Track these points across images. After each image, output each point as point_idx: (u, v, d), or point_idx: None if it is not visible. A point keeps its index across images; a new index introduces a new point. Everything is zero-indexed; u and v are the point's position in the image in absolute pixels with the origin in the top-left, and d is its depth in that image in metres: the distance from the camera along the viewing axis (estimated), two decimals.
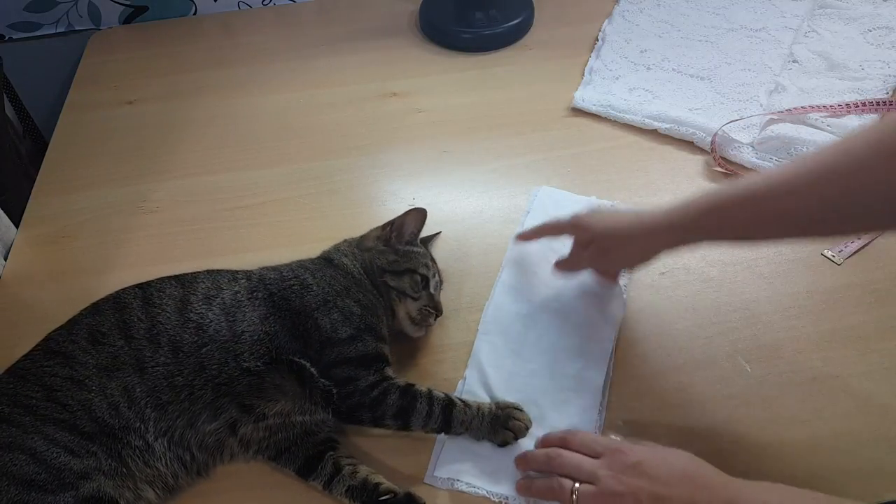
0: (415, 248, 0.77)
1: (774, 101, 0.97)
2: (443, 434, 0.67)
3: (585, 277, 0.81)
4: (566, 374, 0.73)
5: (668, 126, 0.96)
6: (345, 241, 0.79)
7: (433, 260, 0.79)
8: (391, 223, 0.78)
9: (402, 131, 1.02)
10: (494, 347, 0.76)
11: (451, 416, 0.66)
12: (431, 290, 0.76)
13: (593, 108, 0.99)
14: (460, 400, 0.67)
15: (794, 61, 1.03)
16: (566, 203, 0.90)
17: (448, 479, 0.66)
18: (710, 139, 0.93)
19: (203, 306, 0.68)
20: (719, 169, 0.92)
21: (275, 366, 0.66)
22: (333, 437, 0.70)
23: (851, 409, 0.70)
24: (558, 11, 1.20)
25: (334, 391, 0.66)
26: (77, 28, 1.23)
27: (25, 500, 0.59)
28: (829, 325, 0.77)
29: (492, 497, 0.65)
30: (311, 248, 0.82)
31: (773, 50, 1.06)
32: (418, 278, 0.74)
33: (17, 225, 0.93)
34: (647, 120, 0.97)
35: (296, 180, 0.96)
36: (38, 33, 1.22)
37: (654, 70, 1.05)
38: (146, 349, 0.65)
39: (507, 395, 0.71)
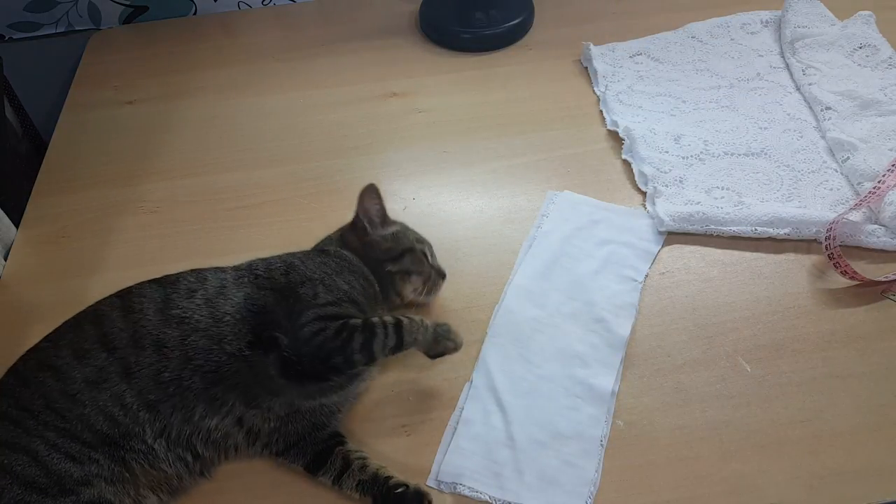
0: (395, 228, 0.78)
1: (849, 162, 0.89)
2: (397, 352, 0.68)
3: (597, 284, 0.81)
4: (575, 381, 0.73)
5: (786, 231, 0.84)
6: (328, 238, 0.79)
7: (412, 230, 0.81)
8: (356, 217, 0.78)
9: (402, 131, 1.02)
10: (503, 351, 0.76)
11: (402, 332, 0.67)
12: (430, 260, 0.78)
13: (691, 228, 0.85)
14: (406, 318, 0.69)
15: (827, 108, 0.97)
16: (585, 209, 0.89)
17: (451, 483, 0.66)
18: (826, 234, 0.81)
19: (185, 301, 0.68)
20: (849, 279, 0.79)
21: (261, 349, 0.66)
22: (340, 432, 0.70)
23: (851, 409, 0.70)
24: (558, 11, 1.20)
25: (296, 359, 0.66)
26: (77, 28, 1.23)
27: (27, 500, 0.59)
28: (829, 325, 0.77)
29: (495, 503, 0.65)
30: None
31: (785, 98, 1.01)
32: (419, 254, 0.77)
33: (17, 225, 0.93)
34: (759, 229, 0.84)
35: (296, 180, 0.96)
36: (38, 33, 1.21)
37: (706, 159, 0.93)
38: (130, 356, 0.65)
39: (514, 400, 0.71)
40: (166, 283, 0.70)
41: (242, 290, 0.69)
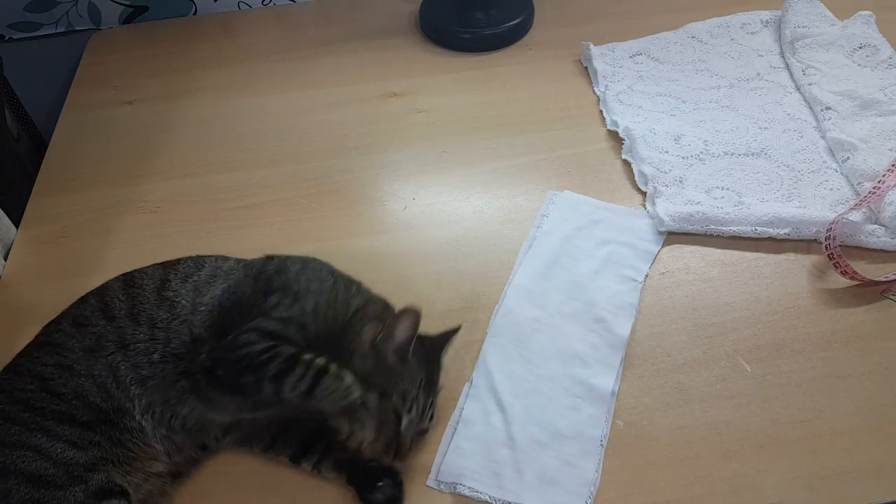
0: (400, 367, 0.65)
1: (849, 162, 0.89)
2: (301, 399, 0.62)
3: (597, 284, 0.81)
4: (575, 381, 0.73)
5: (786, 231, 0.83)
6: (371, 295, 0.73)
7: (427, 389, 0.66)
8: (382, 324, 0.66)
9: (402, 131, 1.02)
10: (503, 351, 0.75)
11: (318, 382, 0.62)
12: (402, 426, 0.64)
13: (691, 228, 0.85)
14: (339, 371, 0.63)
15: (827, 108, 0.97)
16: (585, 209, 0.89)
17: (451, 482, 0.66)
18: (826, 234, 0.81)
19: (179, 284, 0.69)
20: (849, 279, 0.78)
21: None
22: (329, 428, 0.69)
23: (851, 409, 0.70)
24: (558, 11, 1.20)
25: (219, 371, 0.64)
26: (77, 28, 1.23)
27: (36, 497, 0.59)
28: (829, 325, 0.77)
29: (494, 502, 0.65)
30: (311, 248, 0.82)
31: (785, 98, 1.01)
32: (388, 406, 0.64)
33: (17, 225, 0.93)
34: (759, 229, 0.83)
35: (296, 180, 0.96)
36: (38, 33, 1.21)
37: (706, 159, 0.93)
38: (127, 327, 0.66)
39: (514, 400, 0.71)
40: (168, 265, 0.72)
41: (228, 281, 0.69)
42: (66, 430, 0.62)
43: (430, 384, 0.67)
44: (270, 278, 0.70)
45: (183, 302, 0.68)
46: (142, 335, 0.66)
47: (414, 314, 0.65)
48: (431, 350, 0.69)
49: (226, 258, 0.74)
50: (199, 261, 0.72)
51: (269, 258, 0.73)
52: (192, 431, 0.67)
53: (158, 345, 0.66)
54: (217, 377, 0.64)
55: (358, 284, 0.73)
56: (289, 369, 0.62)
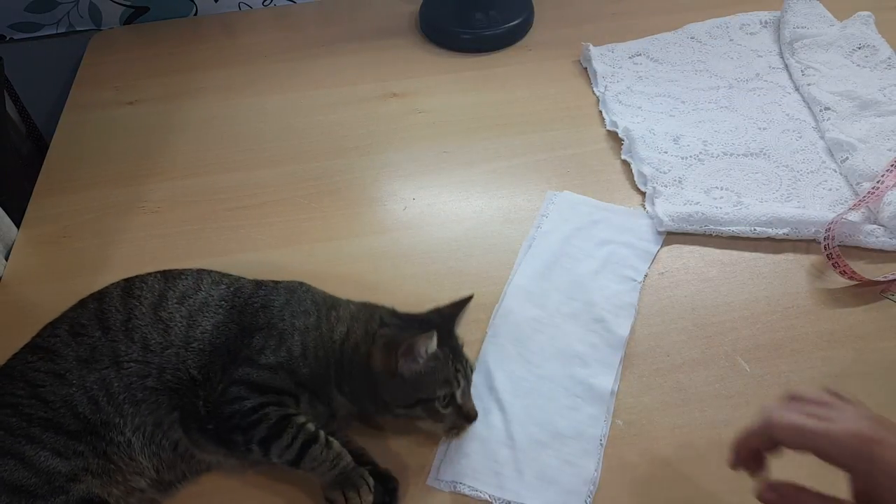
0: (434, 364, 0.65)
1: (848, 163, 0.89)
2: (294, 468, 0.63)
3: (597, 284, 0.81)
4: (575, 381, 0.73)
5: (784, 231, 0.84)
6: (366, 308, 0.71)
7: (456, 355, 0.67)
8: (395, 348, 0.64)
9: (401, 131, 1.02)
10: (503, 351, 0.76)
11: (305, 452, 0.62)
12: (458, 402, 0.66)
13: (690, 228, 0.85)
14: (327, 439, 0.63)
15: (826, 108, 0.97)
16: (585, 209, 0.90)
17: (451, 482, 0.66)
18: (825, 234, 0.81)
19: (175, 305, 0.68)
20: (848, 279, 0.79)
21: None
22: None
23: None
24: (558, 11, 1.20)
25: (210, 425, 0.64)
26: (78, 28, 1.23)
27: None
28: (828, 325, 0.77)
29: (494, 501, 0.65)
30: (311, 248, 0.82)
31: (784, 98, 1.01)
32: (436, 405, 0.64)
33: (18, 225, 0.93)
34: (758, 229, 0.84)
35: (296, 180, 0.96)
36: (38, 34, 1.22)
37: (705, 159, 0.93)
38: (121, 342, 0.65)
39: (514, 399, 0.71)
40: (169, 278, 0.71)
41: (217, 316, 0.68)
42: (50, 438, 0.61)
43: (455, 351, 0.67)
44: (256, 314, 0.68)
45: (176, 329, 0.66)
46: (135, 354, 0.65)
47: (429, 336, 0.63)
48: (445, 324, 0.68)
49: (220, 281, 0.71)
50: (198, 280, 0.70)
51: (259, 286, 0.71)
52: (184, 455, 0.66)
53: (153, 370, 0.64)
54: (208, 430, 0.64)
55: (336, 308, 0.70)
56: (277, 434, 0.62)
